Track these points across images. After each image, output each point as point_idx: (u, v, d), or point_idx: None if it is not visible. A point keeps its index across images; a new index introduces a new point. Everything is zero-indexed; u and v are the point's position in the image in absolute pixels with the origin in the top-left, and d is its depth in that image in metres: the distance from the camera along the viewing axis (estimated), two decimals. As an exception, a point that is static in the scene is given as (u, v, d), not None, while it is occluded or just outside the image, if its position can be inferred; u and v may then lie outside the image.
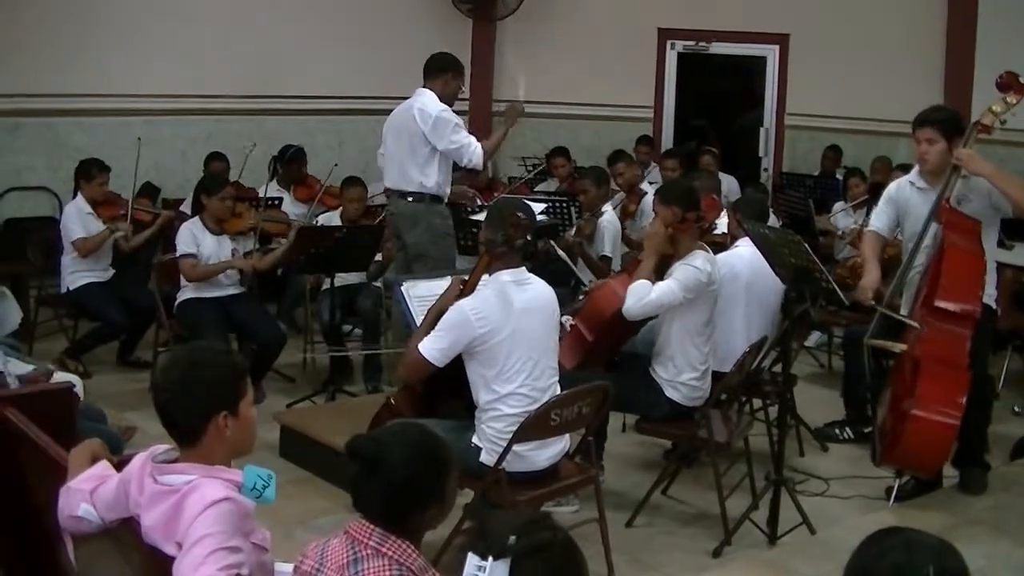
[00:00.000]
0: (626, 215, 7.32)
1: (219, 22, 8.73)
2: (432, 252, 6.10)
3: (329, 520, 4.43)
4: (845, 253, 7.33)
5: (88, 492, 2.62)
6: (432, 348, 3.88)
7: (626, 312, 4.57)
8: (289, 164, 8.11)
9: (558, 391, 4.02)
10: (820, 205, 8.15)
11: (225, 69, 8.70)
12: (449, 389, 4.07)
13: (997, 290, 5.00)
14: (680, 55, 10.37)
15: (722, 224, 5.92)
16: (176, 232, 6.29)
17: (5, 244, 7.66)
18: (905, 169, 6.12)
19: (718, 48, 10.26)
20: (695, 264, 4.59)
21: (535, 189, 8.49)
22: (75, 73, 8.02)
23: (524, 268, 4.03)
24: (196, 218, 6.23)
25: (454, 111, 6.15)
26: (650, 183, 7.93)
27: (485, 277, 4.02)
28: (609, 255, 6.43)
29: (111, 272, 6.78)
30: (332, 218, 7.00)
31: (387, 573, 2.22)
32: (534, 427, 3.86)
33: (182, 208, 7.47)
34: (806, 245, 4.48)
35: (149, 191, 7.78)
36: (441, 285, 4.23)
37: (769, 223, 5.80)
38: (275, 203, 7.43)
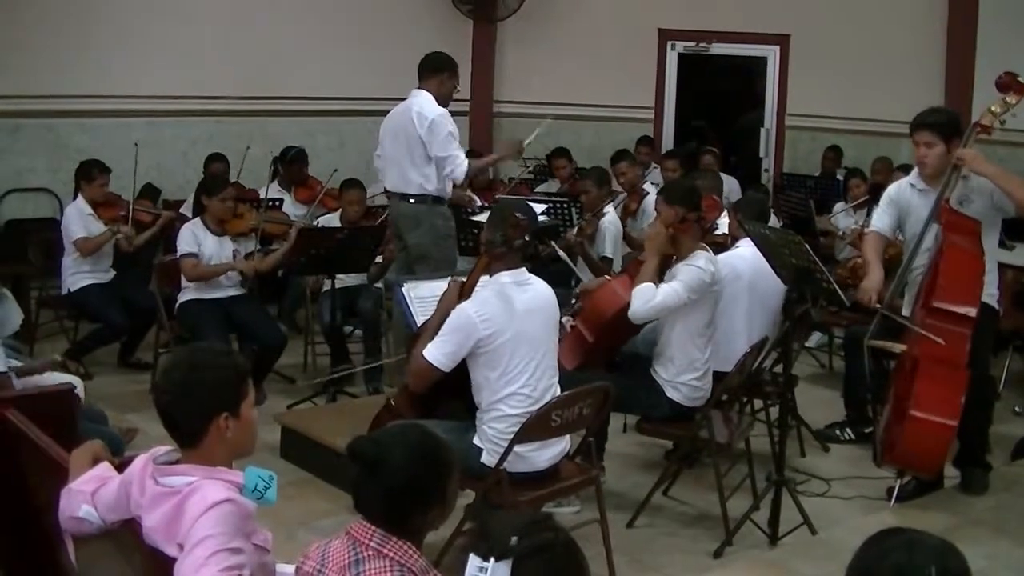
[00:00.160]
0: (627, 214, 7.33)
1: (219, 23, 8.73)
2: (434, 253, 6.10)
3: (330, 521, 4.42)
4: (846, 253, 7.33)
5: (89, 493, 2.62)
6: (438, 353, 3.88)
7: (632, 316, 4.57)
8: (290, 165, 8.11)
9: (558, 391, 4.02)
10: (821, 206, 8.16)
11: (226, 70, 8.71)
12: (449, 390, 4.07)
13: (999, 290, 4.99)
14: (681, 56, 10.36)
15: (723, 224, 5.92)
16: (177, 233, 6.30)
17: (6, 245, 7.67)
18: (906, 170, 6.12)
19: (719, 49, 10.26)
20: (698, 264, 4.59)
21: (536, 190, 8.50)
22: (75, 74, 8.03)
23: (524, 269, 4.03)
24: (198, 219, 6.23)
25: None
26: (652, 184, 7.93)
27: (484, 278, 4.02)
28: (610, 256, 6.43)
29: (112, 273, 6.79)
30: (332, 220, 6.99)
31: (388, 574, 2.23)
32: (535, 428, 3.86)
33: (183, 210, 7.47)
34: (807, 245, 4.48)
35: (150, 192, 7.79)
36: (442, 286, 4.23)
37: (770, 223, 5.80)
38: (276, 204, 7.43)
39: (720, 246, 5.41)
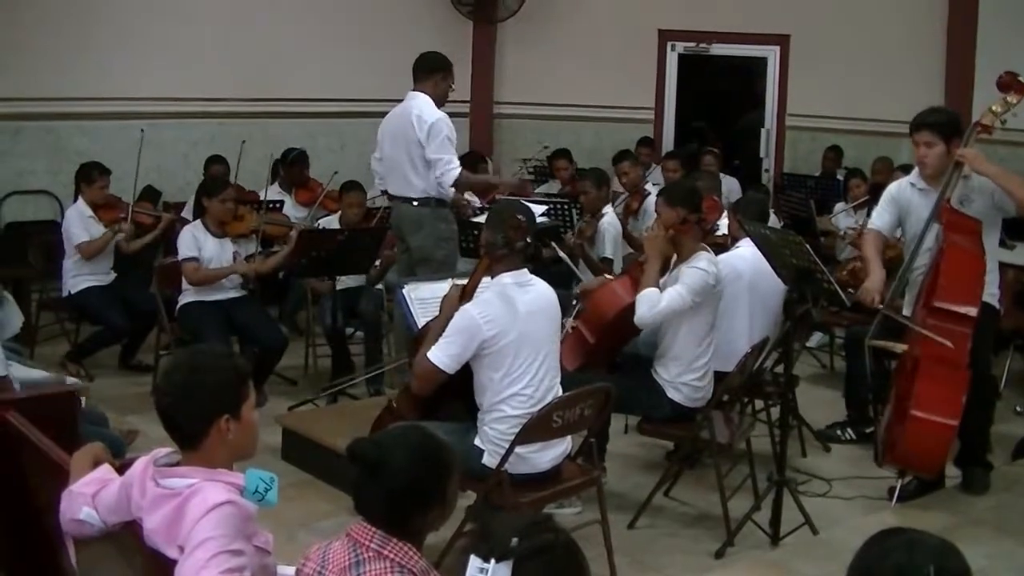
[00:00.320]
0: (629, 213, 7.33)
1: (219, 23, 8.73)
2: (436, 255, 6.09)
3: (331, 523, 4.42)
4: (846, 254, 7.33)
5: (90, 496, 2.62)
6: (442, 355, 3.88)
7: (639, 322, 4.57)
8: (291, 167, 8.11)
9: (559, 392, 4.02)
10: (821, 206, 8.16)
11: (226, 71, 8.71)
12: (451, 391, 4.07)
13: (1000, 290, 4.99)
14: (681, 56, 10.37)
15: (723, 225, 5.92)
16: (177, 235, 6.29)
17: (6, 248, 7.67)
18: (907, 170, 6.12)
19: (719, 49, 10.26)
20: (700, 266, 4.58)
21: (537, 191, 8.49)
22: (75, 76, 8.04)
23: (525, 270, 4.03)
24: (198, 221, 6.23)
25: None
26: (653, 184, 7.94)
27: (486, 280, 4.02)
28: (610, 257, 6.43)
29: (112, 276, 6.79)
30: (332, 222, 6.99)
31: (389, 576, 2.23)
32: (536, 429, 3.86)
33: (183, 213, 7.46)
34: (807, 246, 4.48)
35: (150, 194, 7.77)
36: (443, 287, 4.23)
37: (770, 224, 5.80)
38: (276, 206, 7.43)
39: (720, 247, 5.41)
